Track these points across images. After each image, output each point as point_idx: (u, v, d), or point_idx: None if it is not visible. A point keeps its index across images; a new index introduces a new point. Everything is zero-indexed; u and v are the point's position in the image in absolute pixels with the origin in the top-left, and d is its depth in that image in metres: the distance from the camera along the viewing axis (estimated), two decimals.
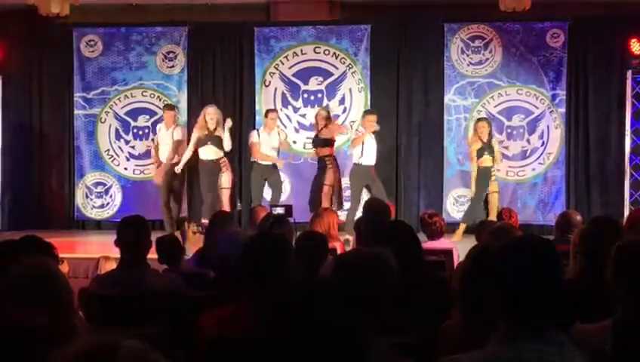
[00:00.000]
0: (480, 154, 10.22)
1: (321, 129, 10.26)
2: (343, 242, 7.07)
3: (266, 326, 1.85)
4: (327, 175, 10.16)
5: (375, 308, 2.49)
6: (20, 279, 2.57)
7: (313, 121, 10.69)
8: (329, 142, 10.27)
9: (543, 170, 11.24)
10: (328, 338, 1.72)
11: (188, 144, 10.38)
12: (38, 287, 2.52)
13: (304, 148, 11.43)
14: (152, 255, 4.49)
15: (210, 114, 10.17)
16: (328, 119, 10.34)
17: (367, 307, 2.45)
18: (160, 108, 11.62)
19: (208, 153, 10.17)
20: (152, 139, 11.17)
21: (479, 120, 10.60)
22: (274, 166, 10.41)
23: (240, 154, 11.44)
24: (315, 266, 4.26)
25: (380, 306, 2.53)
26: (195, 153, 10.24)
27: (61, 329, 2.38)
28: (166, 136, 10.49)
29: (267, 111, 10.68)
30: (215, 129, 10.13)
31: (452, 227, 10.95)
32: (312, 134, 10.84)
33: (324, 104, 11.36)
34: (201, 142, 10.16)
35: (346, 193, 11.50)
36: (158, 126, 10.85)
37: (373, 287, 2.48)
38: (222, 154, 10.22)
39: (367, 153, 10.18)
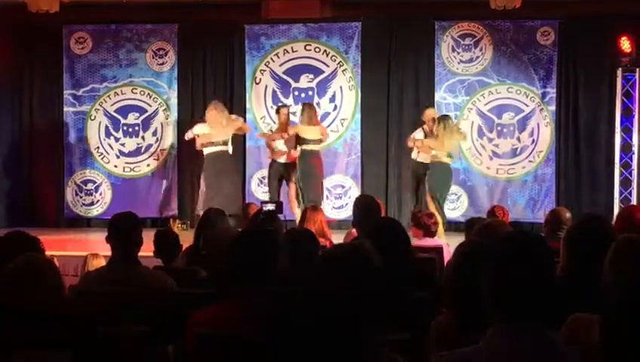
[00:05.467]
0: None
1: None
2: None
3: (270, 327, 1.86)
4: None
5: (360, 302, 2.47)
6: (10, 270, 2.75)
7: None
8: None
9: (533, 167, 11.27)
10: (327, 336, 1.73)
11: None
12: (25, 274, 2.73)
13: None
14: (145, 252, 4.47)
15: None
16: None
17: (351, 301, 2.44)
18: (150, 105, 11.62)
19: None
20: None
21: (429, 107, 10.59)
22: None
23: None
24: (306, 263, 4.24)
25: (366, 300, 2.51)
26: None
27: (50, 304, 2.50)
28: None
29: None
30: None
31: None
32: None
33: (315, 102, 11.37)
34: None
35: (337, 190, 11.54)
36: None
37: (354, 279, 2.46)
38: None
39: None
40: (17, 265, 2.81)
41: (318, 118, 10.45)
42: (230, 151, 9.96)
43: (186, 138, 10.20)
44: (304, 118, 9.94)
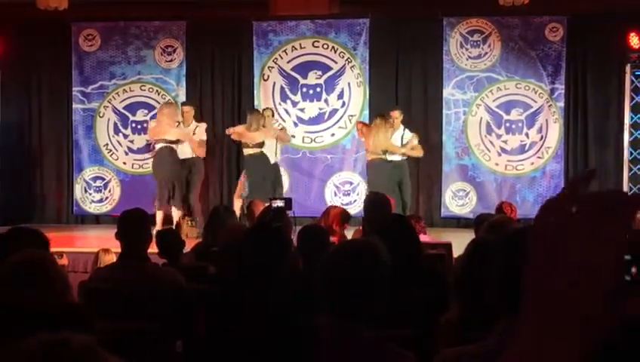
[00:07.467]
0: None
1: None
2: None
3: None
4: None
5: (367, 298, 2.47)
6: (10, 267, 2.68)
7: (313, 115, 10.60)
8: None
9: (541, 164, 11.25)
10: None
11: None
12: (26, 271, 2.65)
13: (302, 142, 11.44)
14: (154, 249, 4.49)
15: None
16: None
17: (358, 297, 2.45)
18: (158, 102, 11.65)
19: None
20: None
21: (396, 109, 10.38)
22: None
23: (238, 149, 11.45)
24: (315, 259, 4.26)
25: (373, 296, 2.52)
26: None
27: (54, 307, 2.43)
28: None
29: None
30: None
31: (451, 221, 11.00)
32: (311, 128, 10.83)
33: (324, 99, 11.38)
34: None
35: (345, 187, 11.56)
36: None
37: (362, 275, 2.46)
38: None
39: None
40: (13, 262, 2.69)
41: (270, 122, 10.29)
42: (179, 153, 10.13)
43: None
44: (247, 125, 9.99)
